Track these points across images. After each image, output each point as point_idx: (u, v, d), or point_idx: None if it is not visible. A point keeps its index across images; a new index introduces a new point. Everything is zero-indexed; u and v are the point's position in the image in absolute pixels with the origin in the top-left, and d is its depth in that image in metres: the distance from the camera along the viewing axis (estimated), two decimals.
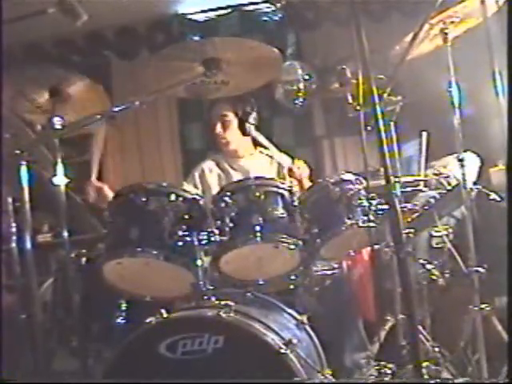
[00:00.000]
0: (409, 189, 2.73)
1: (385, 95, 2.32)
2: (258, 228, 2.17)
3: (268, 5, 5.19)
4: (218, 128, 3.21)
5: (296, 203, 2.30)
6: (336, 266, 2.58)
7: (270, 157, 3.26)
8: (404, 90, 2.64)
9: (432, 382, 2.20)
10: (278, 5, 5.12)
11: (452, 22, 2.41)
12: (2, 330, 2.36)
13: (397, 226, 1.74)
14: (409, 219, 2.47)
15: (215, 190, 2.38)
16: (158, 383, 2.02)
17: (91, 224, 3.08)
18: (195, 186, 3.18)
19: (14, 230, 2.28)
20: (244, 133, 3.21)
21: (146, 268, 2.22)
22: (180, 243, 2.17)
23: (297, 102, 3.91)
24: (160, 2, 5.11)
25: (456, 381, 2.26)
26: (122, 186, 2.33)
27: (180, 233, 2.18)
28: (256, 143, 3.31)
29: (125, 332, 2.27)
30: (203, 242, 2.19)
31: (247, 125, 3.19)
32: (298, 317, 2.38)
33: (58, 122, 2.42)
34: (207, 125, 3.34)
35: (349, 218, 2.29)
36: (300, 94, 3.92)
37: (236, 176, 3.16)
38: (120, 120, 5.12)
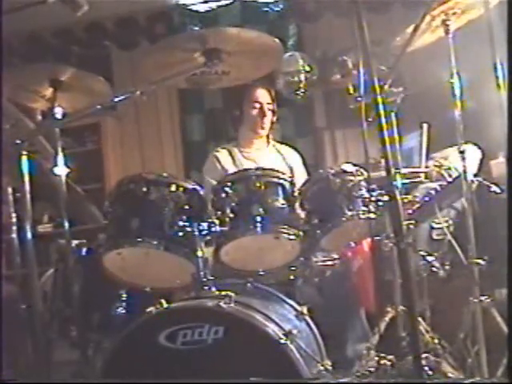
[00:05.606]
0: (409, 180, 2.72)
1: (386, 86, 2.31)
2: (258, 219, 2.17)
3: None
4: (266, 111, 3.25)
5: (296, 194, 2.31)
6: (336, 257, 2.57)
7: (282, 155, 3.31)
8: (405, 82, 2.63)
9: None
10: None
11: (454, 14, 2.41)
12: (2, 320, 2.36)
13: (397, 217, 1.74)
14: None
15: None
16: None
17: (92, 214, 3.07)
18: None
19: (14, 220, 2.29)
20: (273, 122, 3.31)
21: (147, 258, 2.22)
22: (180, 233, 2.18)
23: (298, 93, 3.90)
24: None
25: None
26: (122, 176, 2.33)
27: (180, 223, 2.19)
28: (268, 138, 3.36)
29: (125, 322, 2.27)
30: (204, 232, 2.19)
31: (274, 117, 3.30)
32: (298, 308, 2.37)
33: (58, 112, 2.42)
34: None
35: (349, 210, 2.30)
36: (301, 85, 3.92)
37: (247, 165, 3.16)
38: (120, 111, 5.13)
